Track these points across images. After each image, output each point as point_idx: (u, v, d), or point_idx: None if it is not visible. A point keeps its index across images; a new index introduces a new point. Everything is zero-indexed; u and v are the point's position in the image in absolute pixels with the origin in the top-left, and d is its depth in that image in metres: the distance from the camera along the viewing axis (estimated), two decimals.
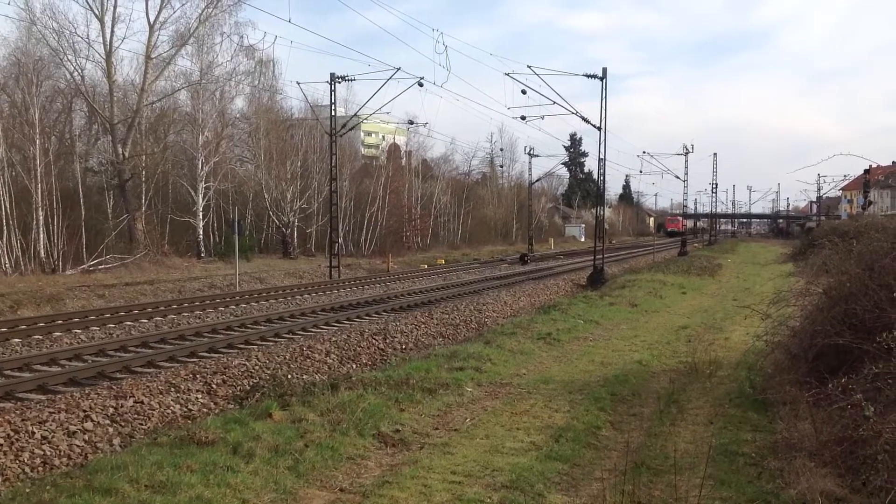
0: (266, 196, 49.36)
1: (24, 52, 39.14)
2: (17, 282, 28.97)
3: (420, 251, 62.21)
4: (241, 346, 16.63)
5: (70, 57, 40.00)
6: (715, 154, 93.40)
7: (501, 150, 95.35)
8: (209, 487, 7.12)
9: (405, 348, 17.63)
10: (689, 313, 22.64)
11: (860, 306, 9.30)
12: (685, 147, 67.82)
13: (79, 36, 39.97)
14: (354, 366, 15.55)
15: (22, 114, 36.99)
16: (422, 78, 34.59)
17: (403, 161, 73.35)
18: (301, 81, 68.85)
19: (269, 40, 65.98)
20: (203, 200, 45.38)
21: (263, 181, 49.56)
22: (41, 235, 34.10)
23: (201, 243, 45.36)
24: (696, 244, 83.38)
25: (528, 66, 32.08)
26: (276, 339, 17.66)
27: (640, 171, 71.76)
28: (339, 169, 41.71)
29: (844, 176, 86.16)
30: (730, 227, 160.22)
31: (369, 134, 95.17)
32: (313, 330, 19.27)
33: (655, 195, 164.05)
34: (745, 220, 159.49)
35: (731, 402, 10.80)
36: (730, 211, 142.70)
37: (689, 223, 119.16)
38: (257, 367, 13.80)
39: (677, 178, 69.70)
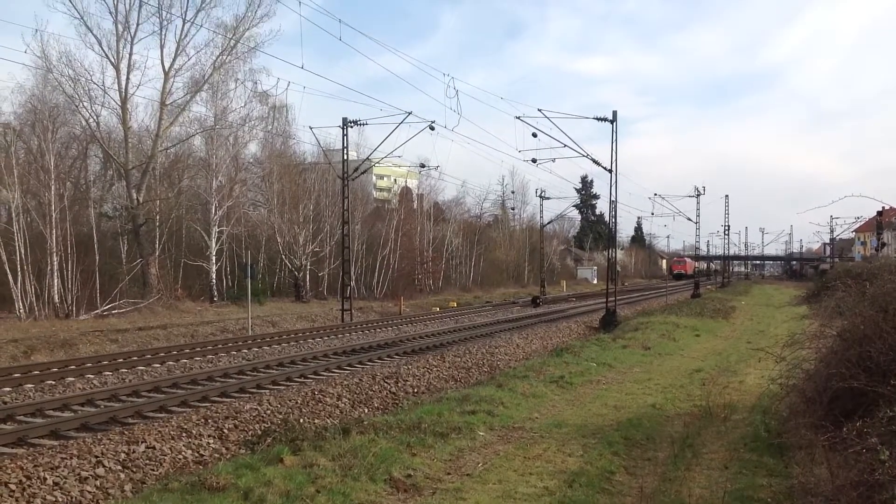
0: (279, 240, 49.59)
1: (41, 99, 39.78)
2: (31, 327, 29.10)
3: (432, 294, 62.23)
4: (253, 390, 16.62)
5: (86, 104, 40.59)
6: (727, 196, 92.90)
7: (513, 192, 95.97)
8: None
9: (417, 392, 17.57)
10: (702, 356, 22.51)
11: (875, 349, 9.24)
12: (696, 189, 67.92)
13: (94, 83, 40.52)
14: (366, 410, 15.51)
15: (38, 160, 37.41)
16: (433, 122, 35.05)
17: (415, 204, 73.69)
18: (313, 126, 69.66)
19: (283, 86, 66.92)
20: (216, 245, 45.61)
21: (276, 225, 49.84)
22: (55, 280, 34.27)
23: (214, 287, 45.51)
24: (709, 286, 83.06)
25: (539, 110, 32.43)
26: (288, 384, 17.64)
27: (652, 214, 71.93)
28: (352, 212, 41.95)
29: (857, 217, 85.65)
30: (743, 268, 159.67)
31: (381, 177, 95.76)
32: (325, 374, 19.25)
33: (668, 237, 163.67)
34: (758, 262, 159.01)
35: (746, 447, 10.69)
36: (743, 253, 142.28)
37: (703, 265, 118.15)
38: (269, 412, 13.77)
39: (689, 219, 69.82)
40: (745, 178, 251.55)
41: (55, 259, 34.24)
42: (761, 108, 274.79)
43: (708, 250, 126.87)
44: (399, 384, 17.71)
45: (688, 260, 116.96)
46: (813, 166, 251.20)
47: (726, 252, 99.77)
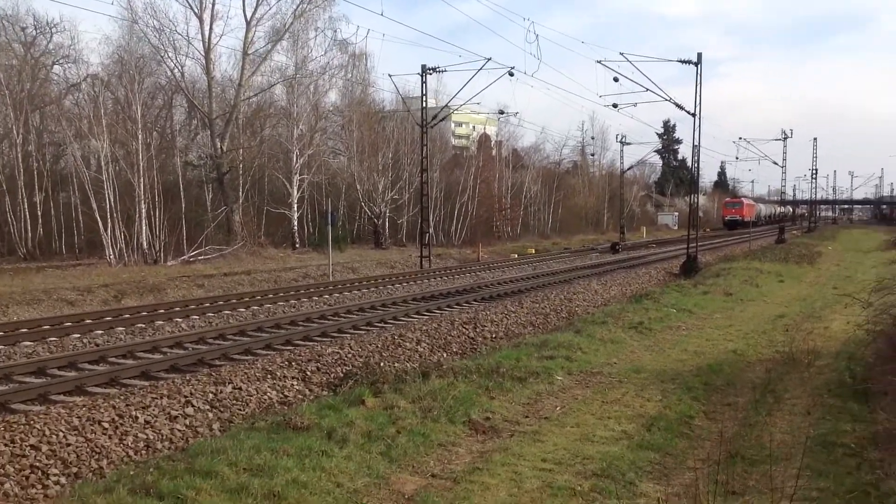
0: (358, 187, 50.01)
1: (127, 50, 40.62)
2: (121, 272, 30.10)
3: (510, 240, 62.13)
4: (335, 334, 16.92)
5: (170, 54, 41.32)
6: (815, 139, 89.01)
7: (593, 138, 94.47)
8: (305, 471, 7.32)
9: (495, 337, 17.64)
10: (786, 302, 22.07)
11: None
12: (783, 132, 65.64)
13: (178, 33, 41.22)
14: (445, 354, 15.64)
15: (125, 110, 38.33)
16: (512, 68, 34.66)
17: (494, 151, 73.25)
18: (392, 74, 69.53)
19: (362, 34, 66.33)
20: (297, 192, 46.28)
21: (356, 173, 50.21)
22: (144, 227, 35.32)
23: (296, 234, 46.31)
24: (794, 231, 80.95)
25: (621, 53, 31.84)
26: (368, 328, 17.92)
27: (737, 158, 70.36)
28: (430, 160, 41.95)
29: None
30: (830, 213, 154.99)
31: (460, 125, 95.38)
32: (404, 319, 19.48)
33: (752, 182, 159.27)
34: (846, 206, 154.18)
35: (829, 392, 10.51)
36: (830, 197, 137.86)
37: (788, 209, 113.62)
38: (350, 355, 14.02)
39: (775, 163, 67.62)
40: (834, 122, 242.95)
41: (143, 206, 35.25)
42: (852, 50, 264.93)
43: (794, 194, 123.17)
44: (477, 329, 17.81)
45: (745, 202, 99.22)
46: None
47: (813, 196, 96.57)
